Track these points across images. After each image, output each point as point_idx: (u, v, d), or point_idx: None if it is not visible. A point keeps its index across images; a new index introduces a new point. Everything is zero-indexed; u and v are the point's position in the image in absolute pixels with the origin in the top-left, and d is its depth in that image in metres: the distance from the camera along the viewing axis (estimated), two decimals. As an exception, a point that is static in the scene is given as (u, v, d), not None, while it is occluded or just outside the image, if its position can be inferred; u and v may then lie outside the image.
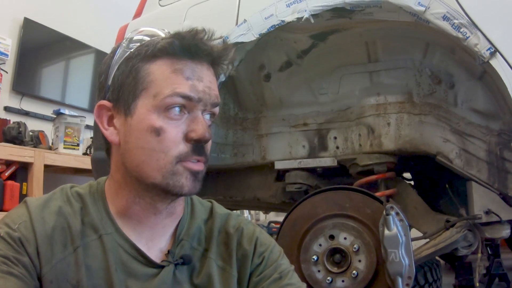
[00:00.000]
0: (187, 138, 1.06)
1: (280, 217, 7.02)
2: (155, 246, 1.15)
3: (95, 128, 1.08)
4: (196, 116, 1.08)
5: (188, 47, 1.06)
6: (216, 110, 1.15)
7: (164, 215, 1.15)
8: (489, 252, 4.60)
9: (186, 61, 1.07)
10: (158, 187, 1.07)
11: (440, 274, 3.48)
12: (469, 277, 4.14)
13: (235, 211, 1.32)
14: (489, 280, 4.31)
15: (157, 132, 1.04)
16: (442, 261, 4.71)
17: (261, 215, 8.27)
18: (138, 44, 1.10)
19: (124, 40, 1.14)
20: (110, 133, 1.11)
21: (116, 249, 1.09)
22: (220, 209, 1.29)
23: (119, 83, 1.09)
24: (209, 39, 1.09)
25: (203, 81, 1.08)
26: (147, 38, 1.10)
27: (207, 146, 1.11)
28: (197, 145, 1.07)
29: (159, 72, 1.06)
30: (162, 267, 1.12)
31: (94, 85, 1.22)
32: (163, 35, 1.11)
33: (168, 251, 1.15)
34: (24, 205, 1.08)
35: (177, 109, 1.06)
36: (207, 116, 1.12)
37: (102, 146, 1.22)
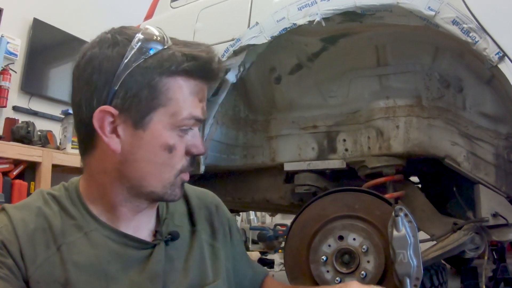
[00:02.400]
0: (187, 153, 1.13)
1: (286, 220, 7.05)
2: (143, 230, 1.20)
3: (84, 130, 1.00)
4: (195, 132, 1.15)
5: (205, 71, 1.11)
6: None
7: (148, 209, 1.21)
8: (495, 257, 4.61)
9: (198, 82, 1.12)
10: (154, 195, 1.13)
11: (446, 278, 3.49)
12: (475, 281, 4.16)
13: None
14: (494, 285, 4.32)
15: (170, 149, 1.09)
16: (448, 266, 4.71)
17: (267, 218, 8.28)
18: (149, 49, 1.07)
19: (133, 42, 1.08)
20: (111, 142, 1.08)
21: (105, 242, 1.11)
22: (190, 187, 1.40)
23: (132, 93, 1.06)
24: (217, 61, 1.13)
25: (204, 102, 1.15)
26: (158, 46, 1.08)
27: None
28: (193, 158, 1.16)
29: (180, 92, 1.08)
30: (154, 246, 1.16)
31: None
32: (170, 43, 1.11)
33: (156, 231, 1.21)
34: (3, 211, 1.09)
35: (187, 128, 1.12)
36: None
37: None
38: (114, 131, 1.08)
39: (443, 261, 4.06)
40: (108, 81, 1.06)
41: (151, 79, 1.06)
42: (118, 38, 1.10)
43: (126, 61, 1.06)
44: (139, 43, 1.07)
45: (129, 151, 1.08)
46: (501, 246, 4.52)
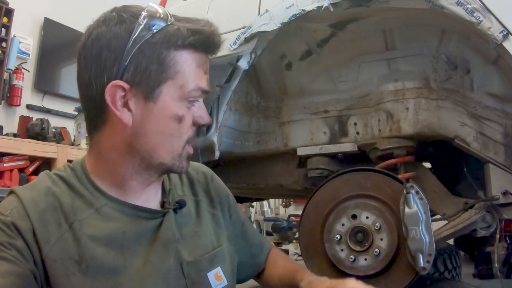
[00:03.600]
0: (194, 123, 1.18)
1: (299, 210, 7.08)
2: (152, 202, 1.25)
3: (93, 107, 1.02)
4: (201, 103, 1.20)
5: (209, 44, 1.17)
6: None
7: (156, 182, 1.26)
8: (508, 242, 4.63)
9: (203, 55, 1.17)
10: (163, 166, 1.18)
11: (459, 262, 3.52)
12: (488, 266, 4.18)
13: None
14: (508, 269, 4.34)
15: (179, 119, 1.14)
16: (461, 252, 4.74)
17: (281, 209, 8.32)
18: (155, 25, 1.11)
19: (140, 19, 1.11)
20: (124, 115, 1.11)
21: (117, 215, 1.15)
22: None
23: (142, 67, 1.09)
24: (217, 34, 1.18)
25: (208, 74, 1.20)
26: (161, 23, 1.11)
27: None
28: (200, 129, 1.21)
29: (186, 65, 1.13)
30: (164, 214, 1.23)
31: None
32: (173, 19, 1.14)
33: (164, 201, 1.28)
34: (12, 193, 1.11)
35: (194, 99, 1.17)
36: None
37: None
38: (125, 105, 1.12)
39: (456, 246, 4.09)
40: (118, 58, 1.09)
41: (159, 53, 1.10)
42: (124, 16, 1.14)
43: (134, 37, 1.09)
44: (145, 20, 1.11)
45: (140, 123, 1.12)
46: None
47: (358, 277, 2.25)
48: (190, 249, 1.24)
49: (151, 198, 1.25)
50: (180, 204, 1.27)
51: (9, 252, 0.99)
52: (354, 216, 2.31)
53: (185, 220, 1.29)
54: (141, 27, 1.10)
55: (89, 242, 1.07)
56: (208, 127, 2.59)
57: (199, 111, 1.19)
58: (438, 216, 2.57)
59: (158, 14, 1.13)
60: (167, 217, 1.22)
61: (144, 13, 1.12)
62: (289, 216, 7.10)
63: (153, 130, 1.12)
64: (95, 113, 1.16)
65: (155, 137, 1.13)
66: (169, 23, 1.13)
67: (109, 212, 1.14)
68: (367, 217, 2.29)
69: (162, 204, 1.28)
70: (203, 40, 1.14)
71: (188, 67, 1.13)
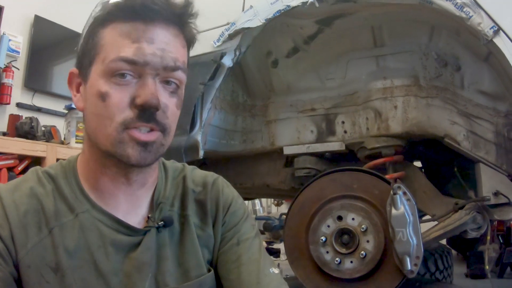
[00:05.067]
0: (133, 104, 1.01)
1: (292, 209, 7.05)
2: (135, 216, 1.13)
3: None
4: (144, 81, 1.02)
5: (132, 7, 1.02)
6: (177, 75, 1.07)
7: (135, 186, 1.13)
8: (501, 241, 4.62)
9: (136, 23, 1.02)
10: (110, 154, 1.04)
11: (451, 262, 3.49)
12: (480, 266, 4.16)
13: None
14: (501, 269, 4.33)
15: (103, 97, 1.00)
16: (454, 252, 4.71)
17: (273, 208, 8.30)
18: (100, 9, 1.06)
19: (95, 7, 1.09)
20: (77, 100, 1.09)
21: (95, 225, 1.07)
22: (190, 168, 1.29)
23: (82, 51, 1.07)
24: None
25: (154, 43, 1.02)
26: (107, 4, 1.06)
27: (161, 114, 1.04)
28: (144, 112, 1.02)
29: (109, 36, 1.02)
30: (145, 233, 1.11)
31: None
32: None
33: (148, 217, 1.14)
34: None
35: (124, 74, 1.01)
36: (167, 84, 1.06)
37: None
38: (79, 90, 1.09)
39: (448, 246, 4.07)
40: (77, 50, 1.10)
41: (90, 32, 1.05)
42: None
43: (86, 28, 1.08)
44: (97, 8, 1.07)
45: (84, 106, 1.07)
46: (507, 230, 4.53)
47: (344, 280, 2.24)
48: (171, 272, 1.13)
49: (133, 210, 1.14)
50: (166, 223, 1.14)
51: None
52: (339, 218, 2.27)
53: (167, 240, 1.15)
54: (91, 16, 1.07)
55: (64, 254, 1.02)
56: (192, 126, 2.52)
57: (140, 89, 1.01)
58: (428, 217, 2.53)
59: (107, 1, 1.06)
60: (147, 236, 1.11)
61: (100, 2, 1.09)
62: (281, 214, 7.04)
63: (89, 111, 1.05)
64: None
65: (92, 119, 1.04)
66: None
67: (88, 221, 1.07)
68: (353, 219, 2.24)
69: (148, 219, 1.15)
70: (125, 7, 1.02)
71: (110, 38, 1.02)
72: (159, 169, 1.21)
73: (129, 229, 1.10)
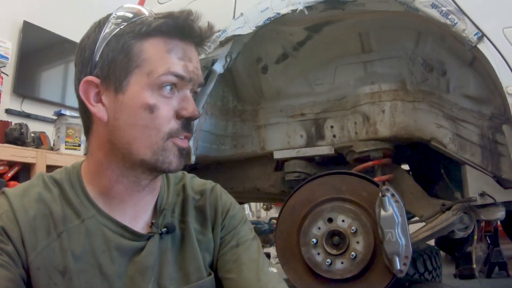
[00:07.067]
0: (178, 116, 1.10)
1: (281, 214, 7.05)
2: (139, 221, 1.18)
3: (81, 108, 1.07)
4: (186, 94, 1.12)
5: (182, 28, 1.10)
6: (199, 90, 1.19)
7: (146, 191, 1.18)
8: (488, 242, 4.66)
9: (177, 41, 1.10)
10: (146, 164, 1.10)
11: (440, 263, 3.53)
12: (469, 266, 4.20)
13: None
14: (489, 269, 4.37)
15: (151, 109, 1.07)
16: (442, 252, 4.75)
17: (262, 212, 8.30)
18: (126, 20, 1.10)
19: (111, 16, 1.13)
20: (97, 110, 1.10)
21: (100, 231, 1.11)
22: (189, 176, 1.35)
23: (109, 60, 1.08)
24: (198, 20, 1.13)
25: (192, 62, 1.12)
26: (131, 15, 1.11)
27: (193, 123, 1.15)
28: (187, 122, 1.12)
29: (154, 51, 1.08)
30: (148, 238, 1.16)
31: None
32: (147, 13, 1.13)
33: (152, 223, 1.19)
34: (3, 196, 1.09)
35: (169, 87, 1.09)
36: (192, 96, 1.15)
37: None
38: (100, 100, 1.11)
39: (436, 247, 4.11)
40: (91, 56, 1.10)
41: (124, 43, 1.08)
42: (101, 19, 1.15)
43: (103, 33, 1.10)
44: (116, 16, 1.12)
45: (113, 117, 1.09)
46: (495, 230, 4.57)
47: (335, 281, 2.27)
48: (172, 276, 1.18)
49: (139, 215, 1.19)
50: (168, 229, 1.20)
51: (0, 257, 0.99)
52: (330, 220, 2.30)
53: (169, 245, 1.20)
54: (109, 23, 1.11)
55: (71, 257, 1.06)
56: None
57: (183, 102, 1.12)
58: (416, 218, 2.57)
59: (131, 10, 1.13)
60: (150, 242, 1.16)
61: (116, 11, 1.13)
62: (270, 219, 7.08)
63: (126, 122, 1.08)
64: (83, 115, 1.17)
65: (129, 130, 1.08)
66: (141, 16, 1.12)
67: (93, 226, 1.11)
68: (343, 220, 2.28)
69: (152, 224, 1.21)
70: (172, 25, 1.09)
71: (156, 53, 1.08)
72: (162, 176, 1.26)
73: (133, 234, 1.15)
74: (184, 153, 1.14)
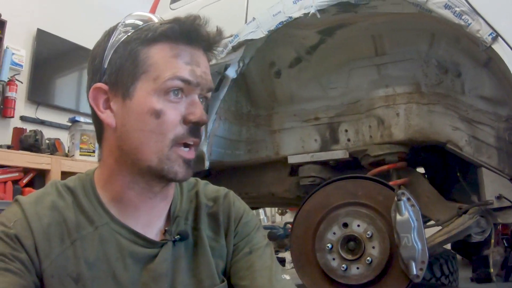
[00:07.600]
0: (185, 121, 1.08)
1: (296, 218, 7.02)
2: (153, 228, 1.17)
3: (93, 115, 1.08)
4: (193, 99, 1.10)
5: (188, 32, 1.08)
6: (209, 95, 1.17)
7: (159, 198, 1.17)
8: (506, 245, 4.60)
9: (184, 46, 1.09)
10: (153, 171, 1.09)
11: (456, 267, 3.50)
12: (486, 270, 4.15)
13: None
14: (506, 273, 4.32)
15: (157, 114, 1.06)
16: (459, 256, 4.71)
17: (277, 217, 8.27)
18: (134, 27, 1.10)
19: (120, 24, 1.13)
20: (106, 116, 1.10)
21: (114, 238, 1.10)
22: (202, 183, 1.33)
23: (117, 66, 1.09)
24: (205, 25, 1.11)
25: (200, 67, 1.10)
26: (140, 23, 1.11)
27: (201, 128, 1.13)
28: (194, 127, 1.10)
29: (160, 56, 1.07)
30: (162, 245, 1.14)
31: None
32: (156, 20, 1.12)
33: (165, 230, 1.18)
34: (17, 204, 1.09)
35: (176, 92, 1.07)
36: (201, 101, 1.13)
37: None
38: (108, 106, 1.11)
39: (453, 251, 4.07)
40: (100, 63, 1.11)
41: (131, 50, 1.08)
42: (111, 27, 1.14)
43: (112, 41, 1.10)
44: (124, 23, 1.12)
45: (121, 123, 1.09)
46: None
47: (351, 287, 2.25)
48: (184, 285, 1.17)
49: (153, 222, 1.18)
50: (182, 236, 1.18)
51: (14, 264, 0.98)
52: (345, 225, 2.29)
53: (182, 253, 1.19)
54: (118, 30, 1.11)
55: (85, 265, 1.06)
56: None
57: (191, 107, 1.10)
58: (432, 222, 2.55)
59: (139, 17, 1.13)
60: (164, 249, 1.15)
61: (125, 19, 1.13)
62: (286, 223, 7.01)
63: (133, 128, 1.08)
64: (95, 121, 1.16)
65: (136, 135, 1.08)
66: (149, 23, 1.11)
67: (107, 234, 1.10)
68: (358, 225, 2.26)
69: (165, 231, 1.19)
70: (178, 29, 1.08)
71: (162, 59, 1.07)
72: (175, 183, 1.24)
73: (146, 241, 1.13)
74: (191, 163, 1.12)
